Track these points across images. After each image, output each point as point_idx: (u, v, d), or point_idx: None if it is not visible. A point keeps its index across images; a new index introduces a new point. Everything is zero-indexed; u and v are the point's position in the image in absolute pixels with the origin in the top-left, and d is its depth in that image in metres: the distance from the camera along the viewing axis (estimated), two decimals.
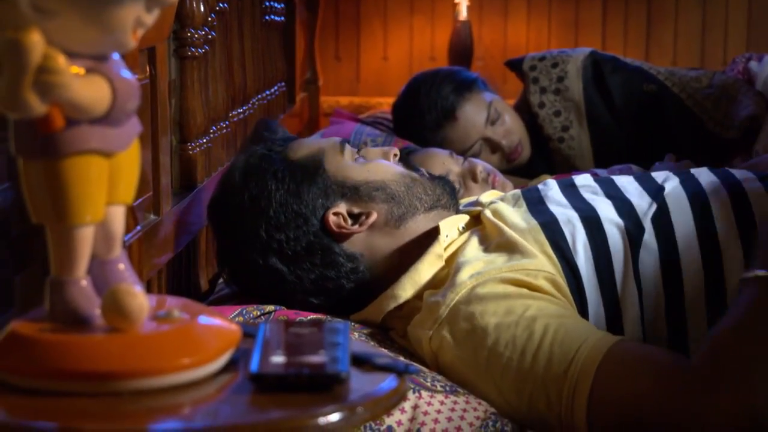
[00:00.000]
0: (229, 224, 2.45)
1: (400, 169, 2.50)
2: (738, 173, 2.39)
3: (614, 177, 2.50)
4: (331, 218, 2.39)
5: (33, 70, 1.32)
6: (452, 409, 1.89)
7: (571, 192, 2.47)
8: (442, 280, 2.28)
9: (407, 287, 2.30)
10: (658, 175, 2.44)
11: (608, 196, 2.40)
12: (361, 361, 1.44)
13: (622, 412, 1.97)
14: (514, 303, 2.12)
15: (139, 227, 2.18)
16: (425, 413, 1.87)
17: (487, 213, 2.41)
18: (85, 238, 1.40)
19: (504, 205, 2.44)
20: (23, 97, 1.32)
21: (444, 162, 3.15)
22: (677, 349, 2.18)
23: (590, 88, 3.78)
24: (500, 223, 2.34)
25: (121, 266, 1.45)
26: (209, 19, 2.81)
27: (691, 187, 2.35)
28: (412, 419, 1.85)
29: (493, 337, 2.08)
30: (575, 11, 4.61)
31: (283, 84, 3.89)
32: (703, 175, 2.39)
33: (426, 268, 2.31)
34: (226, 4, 3.02)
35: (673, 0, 4.56)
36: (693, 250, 2.24)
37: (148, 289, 2.31)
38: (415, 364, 2.11)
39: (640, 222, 2.29)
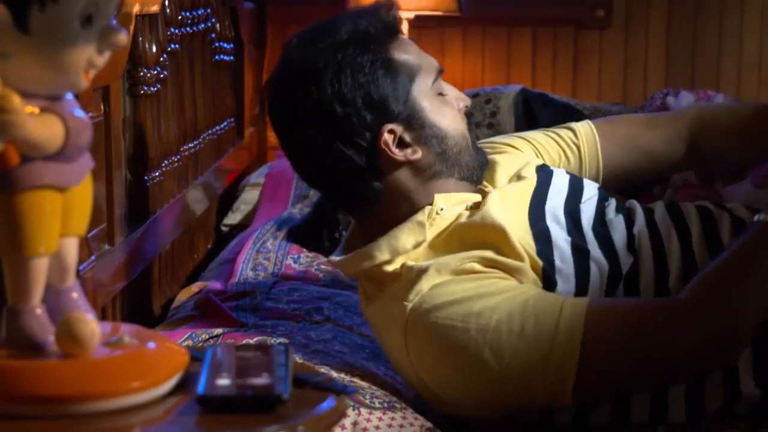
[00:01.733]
0: (308, 63, 2.24)
1: (463, 126, 2.35)
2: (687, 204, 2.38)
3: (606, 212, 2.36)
4: (386, 133, 2.24)
5: None
6: (390, 425, 1.88)
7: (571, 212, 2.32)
8: (423, 253, 2.22)
9: (384, 250, 2.22)
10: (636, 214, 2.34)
11: (595, 232, 2.28)
12: (303, 383, 1.44)
13: (612, 360, 2.01)
14: (492, 280, 2.11)
15: (93, 257, 2.17)
16: (365, 429, 1.86)
17: (493, 198, 2.27)
18: (40, 268, 1.39)
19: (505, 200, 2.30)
20: None
21: None
22: None
23: (521, 122, 3.80)
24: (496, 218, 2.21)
25: (75, 295, 1.44)
26: (161, 59, 2.81)
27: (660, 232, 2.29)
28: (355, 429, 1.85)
29: (479, 307, 2.06)
30: (507, 49, 4.63)
31: (232, 119, 3.88)
32: (660, 212, 2.34)
33: (405, 235, 2.22)
34: (177, 45, 3.02)
35: (597, 39, 4.59)
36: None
37: (103, 316, 2.30)
38: (355, 380, 2.10)
39: (620, 272, 2.20)
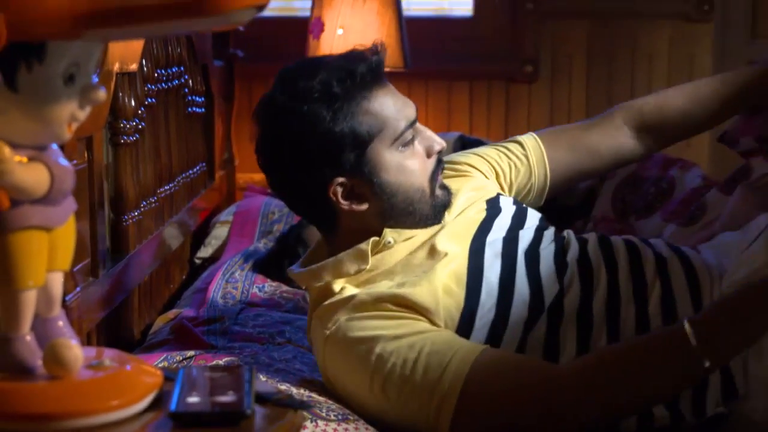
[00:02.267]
0: (280, 103, 2.13)
1: (423, 178, 2.19)
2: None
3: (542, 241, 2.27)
4: (336, 184, 2.13)
5: None
6: None
7: (510, 241, 2.24)
8: (364, 280, 2.17)
9: (329, 271, 2.18)
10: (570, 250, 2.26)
11: (527, 262, 2.20)
12: (264, 400, 1.44)
13: (487, 410, 1.94)
14: (401, 321, 2.05)
15: (79, 288, 2.16)
16: None
17: (439, 237, 2.19)
18: (29, 300, 1.39)
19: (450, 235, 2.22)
20: None
21: None
22: None
23: None
24: (433, 261, 2.14)
25: (60, 323, 1.44)
26: (139, 111, 2.81)
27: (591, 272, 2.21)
28: None
29: (380, 348, 2.00)
30: (447, 100, 4.64)
31: (204, 164, 3.88)
32: (592, 243, 2.28)
33: (348, 261, 2.16)
34: (153, 99, 3.02)
35: (527, 91, 4.61)
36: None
37: (88, 341, 2.29)
38: (313, 395, 2.10)
39: (543, 303, 2.13)
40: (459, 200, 2.32)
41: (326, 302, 2.13)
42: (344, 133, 2.10)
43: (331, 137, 2.09)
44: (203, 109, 3.86)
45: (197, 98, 3.73)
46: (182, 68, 3.45)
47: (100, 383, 1.38)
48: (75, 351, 1.38)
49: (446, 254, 2.15)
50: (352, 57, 2.16)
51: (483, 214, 2.29)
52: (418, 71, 4.42)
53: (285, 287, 2.98)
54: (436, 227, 2.23)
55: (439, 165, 2.25)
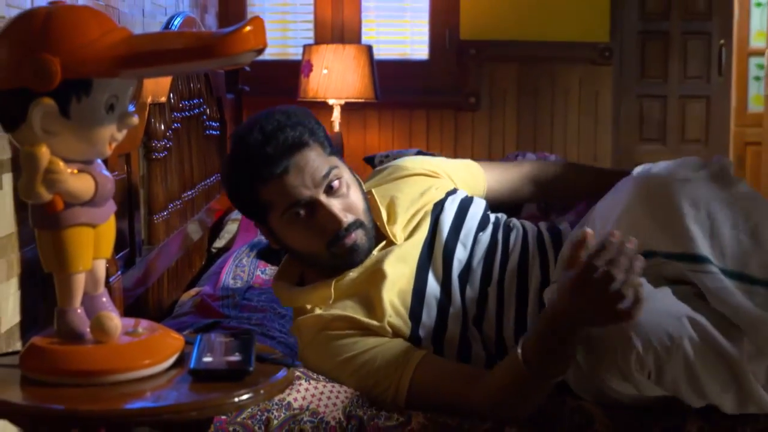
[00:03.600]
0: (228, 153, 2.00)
1: (314, 243, 1.95)
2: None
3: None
4: (263, 231, 2.02)
5: (42, 171, 1.30)
6: (330, 391, 1.85)
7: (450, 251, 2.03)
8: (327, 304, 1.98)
9: (300, 300, 2.01)
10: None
11: (460, 276, 2.01)
12: (263, 359, 1.43)
13: (428, 401, 1.82)
14: (354, 344, 1.89)
15: (120, 271, 2.15)
16: (312, 394, 1.83)
17: (389, 259, 1.98)
18: (79, 281, 1.38)
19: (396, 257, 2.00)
20: (36, 190, 1.31)
21: None
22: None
23: None
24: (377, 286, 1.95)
25: (104, 299, 1.43)
26: (167, 134, 2.79)
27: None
28: (304, 397, 1.82)
29: (342, 367, 1.89)
30: (409, 126, 4.64)
31: (218, 175, 3.86)
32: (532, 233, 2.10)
33: (316, 296, 1.98)
34: (179, 124, 3.00)
35: (471, 119, 4.62)
36: None
37: (128, 313, 2.27)
38: None
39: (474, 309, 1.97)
40: (401, 206, 2.08)
41: (300, 318, 1.99)
42: (254, 200, 1.93)
43: (247, 200, 1.95)
44: (218, 132, 3.84)
45: (213, 123, 3.71)
46: (201, 100, 3.43)
47: (135, 346, 1.38)
48: (116, 321, 1.38)
49: (388, 277, 1.95)
50: (264, 153, 1.89)
51: (425, 232, 2.04)
52: (385, 103, 4.42)
53: None
54: (383, 253, 2.00)
55: (337, 239, 1.92)
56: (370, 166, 3.97)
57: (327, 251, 1.94)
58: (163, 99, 2.71)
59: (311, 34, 4.60)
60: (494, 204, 2.29)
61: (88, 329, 1.38)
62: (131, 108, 1.39)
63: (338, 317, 1.93)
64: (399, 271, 1.97)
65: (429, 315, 1.95)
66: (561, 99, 4.69)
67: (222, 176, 2.04)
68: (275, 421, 1.75)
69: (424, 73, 4.63)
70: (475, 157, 4.48)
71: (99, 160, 1.39)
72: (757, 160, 6.12)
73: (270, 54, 4.48)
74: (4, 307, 1.76)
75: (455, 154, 4.42)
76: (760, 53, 6.53)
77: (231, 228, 3.61)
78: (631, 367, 1.63)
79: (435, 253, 2.02)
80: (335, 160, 1.97)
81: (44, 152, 1.30)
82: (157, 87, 2.60)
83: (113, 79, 1.32)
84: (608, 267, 1.56)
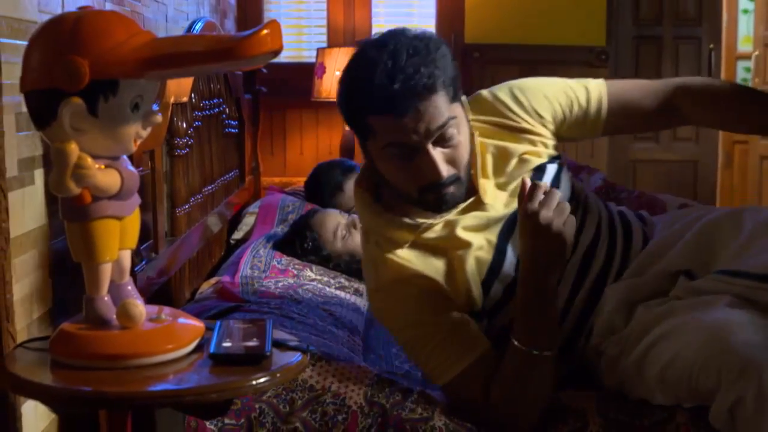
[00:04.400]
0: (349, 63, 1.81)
1: (402, 186, 1.79)
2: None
3: None
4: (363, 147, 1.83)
5: (72, 167, 1.30)
6: (350, 371, 1.83)
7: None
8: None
9: (375, 224, 1.87)
10: None
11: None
12: (280, 344, 1.43)
13: (459, 397, 1.76)
14: (429, 305, 1.80)
15: (144, 261, 2.15)
16: (333, 375, 1.82)
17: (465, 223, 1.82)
18: (106, 270, 1.38)
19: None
20: (66, 184, 1.31)
21: (336, 217, 3.11)
22: None
23: None
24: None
25: (130, 287, 1.43)
26: (189, 131, 2.79)
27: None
28: (325, 378, 1.80)
29: (411, 319, 1.79)
30: None
31: (236, 170, 3.86)
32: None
33: (392, 234, 1.84)
34: (200, 122, 3.00)
35: None
36: None
37: (151, 300, 2.27)
38: (325, 340, 2.06)
39: None
40: (506, 169, 1.87)
41: (386, 255, 1.84)
42: (361, 122, 1.76)
43: (354, 117, 1.79)
44: (236, 130, 3.84)
45: (232, 122, 3.70)
46: (221, 100, 3.43)
47: (158, 332, 1.38)
48: (140, 308, 1.38)
49: (472, 245, 1.81)
50: (386, 88, 1.68)
51: (515, 202, 1.80)
52: None
53: (296, 261, 2.96)
54: (469, 214, 1.84)
55: (433, 188, 1.76)
56: None
57: (417, 194, 1.79)
58: (185, 99, 2.70)
59: (324, 37, 4.59)
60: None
61: (115, 316, 1.38)
62: (155, 107, 1.38)
63: (420, 275, 1.80)
64: (481, 239, 1.82)
65: (497, 289, 1.82)
66: None
67: (340, 79, 1.84)
68: (299, 402, 1.74)
69: None
70: None
71: (125, 156, 1.38)
72: (744, 158, 6.10)
73: (285, 57, 4.48)
74: (36, 294, 1.76)
75: None
76: (747, 57, 6.51)
77: (249, 220, 3.60)
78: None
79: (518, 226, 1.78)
80: (456, 109, 1.76)
81: (73, 149, 1.30)
82: (180, 87, 2.60)
83: (138, 80, 1.32)
84: (539, 207, 1.61)
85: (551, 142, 1.94)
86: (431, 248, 1.83)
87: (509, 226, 1.84)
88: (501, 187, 1.88)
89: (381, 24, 4.58)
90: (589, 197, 1.95)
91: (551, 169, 1.90)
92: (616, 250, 1.89)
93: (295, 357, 1.38)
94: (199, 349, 1.40)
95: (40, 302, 1.77)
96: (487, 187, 1.86)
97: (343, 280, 2.87)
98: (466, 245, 1.81)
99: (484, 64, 4.59)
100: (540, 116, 1.93)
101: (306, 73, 4.29)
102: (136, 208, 1.39)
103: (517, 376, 1.70)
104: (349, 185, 3.56)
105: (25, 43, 1.37)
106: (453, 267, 1.82)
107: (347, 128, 4.22)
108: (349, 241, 3.05)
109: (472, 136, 1.84)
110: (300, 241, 3.03)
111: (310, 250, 3.00)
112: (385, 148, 1.75)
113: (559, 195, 1.62)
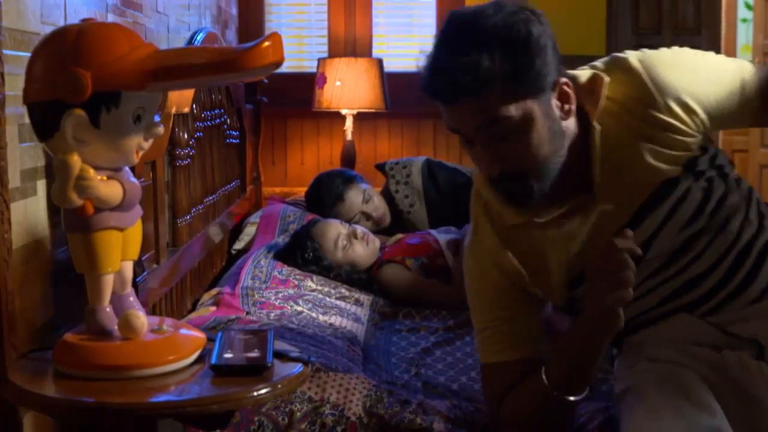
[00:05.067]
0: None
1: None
2: None
3: None
4: None
5: (74, 178, 1.31)
6: (348, 382, 1.84)
7: None
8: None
9: (483, 201, 1.77)
10: None
11: None
12: (281, 355, 1.43)
13: (484, 383, 1.77)
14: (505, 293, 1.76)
15: (146, 272, 2.15)
16: (332, 386, 1.82)
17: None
18: (108, 281, 1.38)
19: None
20: (68, 195, 1.31)
21: (337, 227, 3.12)
22: None
23: (426, 180, 3.77)
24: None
25: (131, 298, 1.44)
26: (191, 142, 2.79)
27: None
28: (324, 389, 1.80)
29: (486, 296, 1.77)
30: (417, 133, 4.63)
31: (238, 180, 3.86)
32: None
33: (494, 216, 1.76)
34: (201, 133, 3.00)
35: None
36: None
37: (153, 311, 2.27)
38: (325, 351, 2.06)
39: None
40: (637, 171, 1.67)
41: (484, 229, 1.78)
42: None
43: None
44: (238, 141, 3.84)
45: (233, 132, 3.71)
46: (222, 110, 3.43)
47: (160, 343, 1.38)
48: (142, 319, 1.38)
49: (572, 252, 1.71)
50: (444, 73, 1.57)
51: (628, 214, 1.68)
52: (395, 112, 4.41)
53: (297, 271, 2.96)
54: (579, 213, 1.69)
55: (492, 181, 1.66)
56: (381, 172, 3.99)
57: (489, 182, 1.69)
58: (187, 110, 2.71)
59: (325, 48, 4.60)
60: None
61: (117, 326, 1.39)
62: (157, 118, 1.39)
63: (509, 262, 1.73)
64: (578, 243, 1.69)
65: (582, 291, 1.67)
66: None
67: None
68: (298, 413, 1.74)
69: None
70: None
71: (127, 168, 1.39)
72: (743, 166, 6.10)
73: (286, 67, 4.47)
74: (39, 305, 1.77)
75: (460, 161, 4.41)
76: None
77: (250, 231, 3.61)
78: None
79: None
80: (526, 105, 1.56)
81: (76, 160, 1.31)
82: (181, 98, 2.60)
83: (141, 91, 1.32)
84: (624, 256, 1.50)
85: (696, 142, 1.69)
86: (528, 237, 1.73)
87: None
88: (619, 191, 1.67)
89: (382, 34, 4.59)
90: (732, 217, 1.71)
91: (682, 187, 1.68)
92: (725, 289, 1.69)
93: (296, 368, 1.39)
94: (200, 360, 1.41)
95: (42, 312, 1.78)
96: (605, 190, 1.67)
97: (344, 290, 2.87)
98: (567, 250, 1.70)
99: None
100: (693, 112, 1.68)
101: (307, 83, 4.30)
102: (138, 220, 1.40)
103: (534, 411, 1.67)
104: (350, 195, 3.56)
105: (29, 54, 1.38)
106: (547, 268, 1.73)
107: (348, 138, 4.23)
108: (349, 251, 3.06)
109: (590, 128, 1.66)
110: (301, 252, 3.04)
111: (311, 260, 3.00)
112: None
113: (631, 266, 1.50)
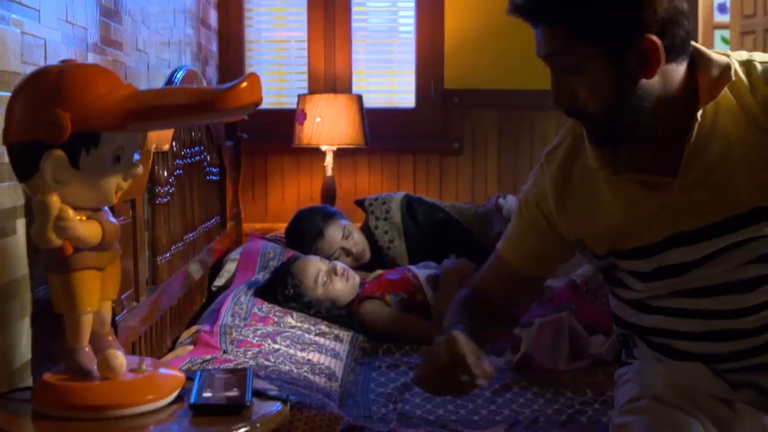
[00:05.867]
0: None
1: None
2: None
3: None
4: None
5: (53, 218, 1.31)
6: (321, 418, 1.84)
7: None
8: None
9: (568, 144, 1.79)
10: None
11: None
12: (260, 394, 1.43)
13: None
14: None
15: (126, 310, 2.15)
16: (304, 422, 1.82)
17: None
18: (87, 321, 1.39)
19: None
20: (47, 236, 1.32)
21: (317, 264, 3.13)
22: None
23: (405, 216, 3.78)
24: None
25: (110, 338, 1.44)
26: (170, 180, 2.80)
27: None
28: (293, 425, 1.81)
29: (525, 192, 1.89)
30: (397, 169, 4.65)
31: (218, 217, 3.86)
32: None
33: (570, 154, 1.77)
34: (181, 171, 3.01)
35: (455, 162, 4.62)
36: None
37: (133, 350, 2.27)
38: (299, 389, 2.06)
39: None
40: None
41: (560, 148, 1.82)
42: None
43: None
44: (218, 177, 3.85)
45: (213, 169, 3.72)
46: (202, 147, 3.44)
47: (139, 383, 1.38)
48: (121, 359, 1.38)
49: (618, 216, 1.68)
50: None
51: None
52: (375, 148, 4.43)
53: (277, 308, 2.96)
54: (646, 192, 1.64)
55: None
56: (361, 208, 4.00)
57: None
58: (167, 147, 2.72)
59: (305, 84, 4.62)
60: None
61: (96, 366, 1.39)
62: (136, 157, 1.40)
63: (544, 193, 1.80)
64: (626, 216, 1.66)
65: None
66: (539, 144, 4.70)
67: None
68: None
69: (411, 120, 4.65)
70: (458, 200, 4.52)
71: (106, 207, 1.40)
72: None
73: (267, 103, 4.49)
74: (17, 344, 1.76)
75: (440, 196, 4.43)
76: None
77: (230, 267, 3.61)
78: None
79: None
80: (589, 48, 1.52)
81: (55, 201, 1.32)
82: (161, 136, 2.61)
83: (120, 132, 1.33)
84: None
85: None
86: (591, 187, 1.71)
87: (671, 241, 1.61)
88: (701, 194, 1.59)
89: (361, 71, 4.62)
90: None
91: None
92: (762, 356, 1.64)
93: (275, 406, 1.39)
94: (179, 399, 1.41)
95: (21, 352, 1.77)
96: (688, 184, 1.59)
97: (323, 327, 2.88)
98: (617, 210, 1.66)
99: (464, 109, 4.63)
100: None
101: (287, 119, 4.32)
102: (117, 259, 1.41)
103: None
104: (330, 231, 3.57)
105: (9, 94, 1.39)
106: (590, 220, 1.71)
107: (328, 174, 4.25)
108: (329, 288, 3.07)
109: (688, 108, 1.57)
110: (281, 288, 3.04)
111: (291, 297, 3.01)
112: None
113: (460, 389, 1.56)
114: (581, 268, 3.04)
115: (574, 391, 2.36)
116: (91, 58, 2.30)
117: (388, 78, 4.68)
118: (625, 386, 1.72)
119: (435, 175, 4.69)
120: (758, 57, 1.61)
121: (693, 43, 1.57)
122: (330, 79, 4.61)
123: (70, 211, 1.32)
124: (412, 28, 4.62)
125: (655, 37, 1.48)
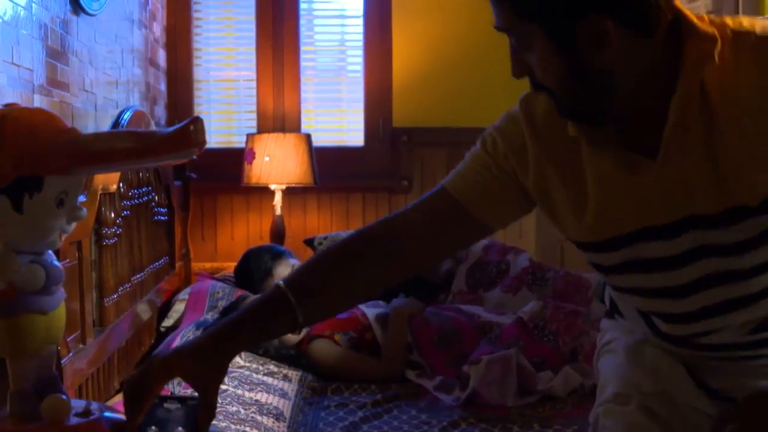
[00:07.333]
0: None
1: None
2: None
3: None
4: None
5: None
6: None
7: None
8: None
9: None
10: None
11: None
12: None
13: None
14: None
15: (72, 353, 2.14)
16: None
17: None
18: (32, 365, 1.38)
19: None
20: None
21: None
22: None
23: None
24: None
25: (55, 381, 1.43)
26: (117, 221, 2.80)
27: None
28: None
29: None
30: (346, 208, 4.67)
31: (167, 257, 3.85)
32: None
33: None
34: (128, 211, 3.01)
35: (404, 199, 4.65)
36: None
37: (79, 393, 2.26)
38: (246, 429, 2.05)
39: None
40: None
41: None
42: None
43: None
44: (166, 218, 3.85)
45: (161, 209, 3.71)
46: (150, 188, 3.44)
47: (85, 427, 1.37)
48: (66, 403, 1.38)
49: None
50: None
51: None
52: (324, 186, 4.46)
53: None
54: (623, 171, 1.51)
55: None
56: (310, 248, 4.01)
57: None
58: (114, 188, 2.72)
59: (254, 123, 4.64)
60: None
61: (41, 411, 1.38)
62: (82, 198, 1.41)
63: (515, 132, 1.65)
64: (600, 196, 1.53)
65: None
66: None
67: None
68: None
69: (360, 159, 4.69)
70: None
71: (50, 251, 1.40)
72: None
73: (216, 142, 4.51)
74: None
75: None
76: None
77: (179, 307, 3.60)
78: None
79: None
80: (529, 25, 1.40)
81: None
82: (108, 177, 2.62)
83: (63, 176, 1.34)
84: None
85: None
86: (571, 152, 1.57)
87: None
88: (680, 180, 1.45)
89: (310, 110, 4.66)
90: None
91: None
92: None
93: None
94: None
95: None
96: (667, 166, 1.44)
97: (272, 367, 2.88)
98: (592, 184, 1.53)
99: (412, 147, 4.68)
100: None
101: (236, 158, 4.33)
102: (61, 303, 1.41)
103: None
104: (279, 270, 3.58)
105: None
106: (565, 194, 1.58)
107: (278, 213, 4.26)
108: None
109: (683, 81, 1.39)
110: None
111: None
112: None
113: None
114: (528, 306, 3.08)
115: (522, 426, 2.38)
116: (38, 100, 2.31)
117: (337, 117, 4.71)
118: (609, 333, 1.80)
119: (384, 213, 4.71)
120: (759, 26, 1.41)
121: (680, 7, 1.41)
122: (279, 118, 4.64)
123: (13, 255, 1.32)
124: (360, 67, 4.67)
125: (602, 15, 1.33)
